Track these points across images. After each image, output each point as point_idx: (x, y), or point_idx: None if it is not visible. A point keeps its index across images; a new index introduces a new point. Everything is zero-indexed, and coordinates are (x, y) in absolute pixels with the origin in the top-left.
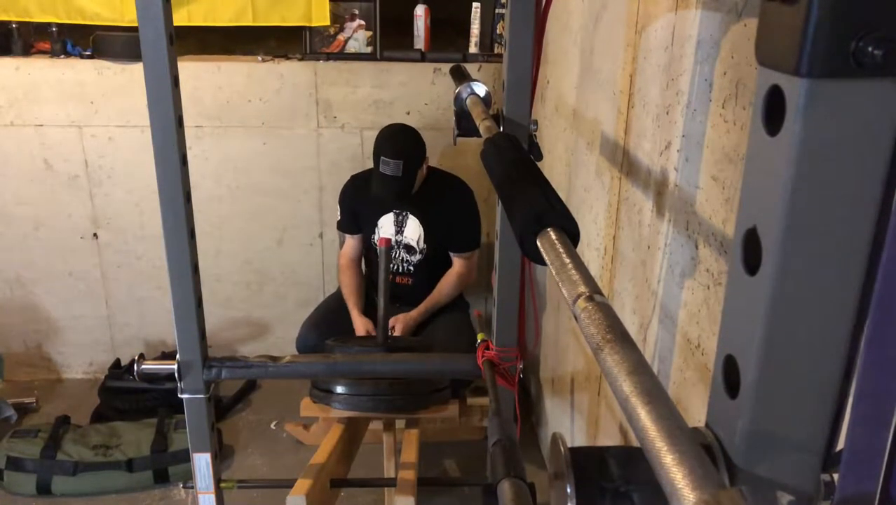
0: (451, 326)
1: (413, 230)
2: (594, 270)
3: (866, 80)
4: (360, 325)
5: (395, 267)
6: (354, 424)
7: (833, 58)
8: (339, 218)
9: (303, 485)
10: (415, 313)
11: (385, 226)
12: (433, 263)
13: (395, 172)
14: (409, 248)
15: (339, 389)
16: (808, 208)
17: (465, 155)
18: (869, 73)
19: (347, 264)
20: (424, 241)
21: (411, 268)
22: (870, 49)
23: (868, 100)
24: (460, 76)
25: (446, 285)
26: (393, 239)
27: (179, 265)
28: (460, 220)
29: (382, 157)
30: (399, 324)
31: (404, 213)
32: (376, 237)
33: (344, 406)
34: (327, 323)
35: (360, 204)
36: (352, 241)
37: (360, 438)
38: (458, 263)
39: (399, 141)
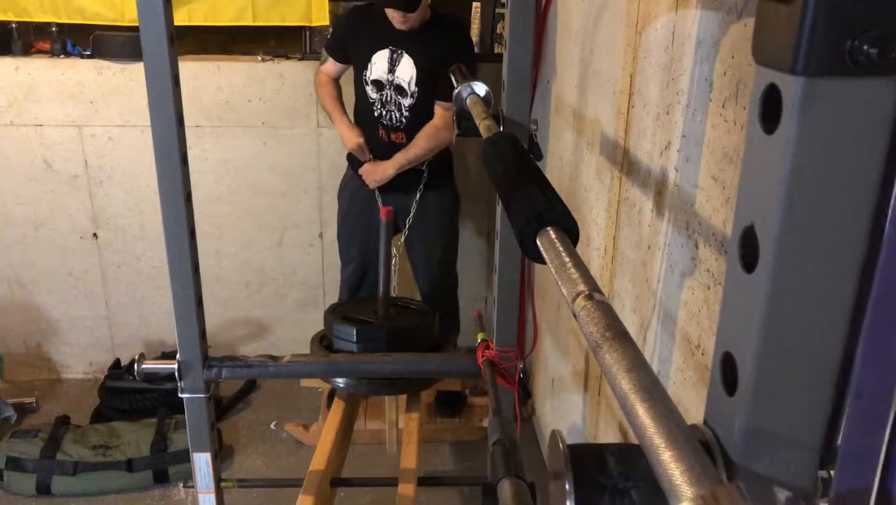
0: (437, 211)
1: (406, 70)
2: (594, 269)
3: (862, 78)
4: (351, 135)
5: (388, 116)
6: (353, 401)
7: (828, 56)
8: (329, 38)
9: (305, 501)
10: (388, 165)
11: (378, 62)
12: (426, 114)
13: None
14: (401, 90)
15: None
16: (804, 206)
17: (464, 155)
18: (864, 72)
19: (326, 80)
20: (416, 84)
21: (403, 119)
22: (865, 48)
23: (863, 98)
24: (460, 76)
25: (421, 137)
26: (385, 77)
27: (179, 265)
28: (458, 56)
29: None
30: (370, 176)
31: (399, 51)
32: (369, 73)
33: (345, 385)
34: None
35: (356, 34)
36: (333, 65)
37: (357, 415)
38: (437, 113)
39: None
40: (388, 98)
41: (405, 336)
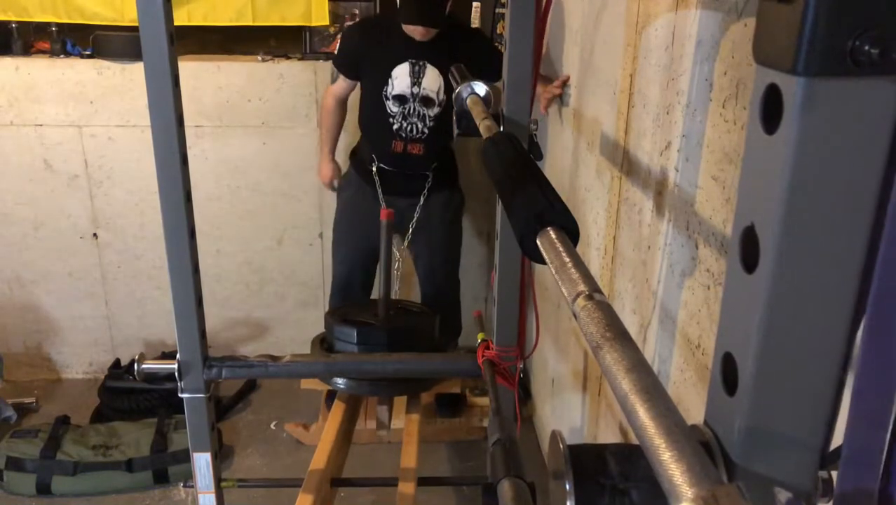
0: (442, 214)
1: (432, 80)
2: (594, 269)
3: (863, 78)
4: (328, 172)
5: (409, 128)
6: (353, 402)
7: (830, 56)
8: (337, 54)
9: (305, 500)
10: None
11: (400, 77)
12: (446, 122)
13: None
14: (428, 101)
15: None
16: (805, 206)
17: (464, 155)
18: (865, 72)
19: (334, 105)
20: (444, 92)
21: (426, 130)
22: (866, 48)
23: (865, 98)
24: (460, 76)
25: None
26: (409, 91)
27: (180, 265)
28: (483, 55)
29: None
30: None
31: (421, 63)
32: (390, 89)
33: (345, 386)
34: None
35: (370, 50)
36: (345, 84)
37: (357, 415)
38: None
39: None
40: (412, 111)
41: (405, 337)
